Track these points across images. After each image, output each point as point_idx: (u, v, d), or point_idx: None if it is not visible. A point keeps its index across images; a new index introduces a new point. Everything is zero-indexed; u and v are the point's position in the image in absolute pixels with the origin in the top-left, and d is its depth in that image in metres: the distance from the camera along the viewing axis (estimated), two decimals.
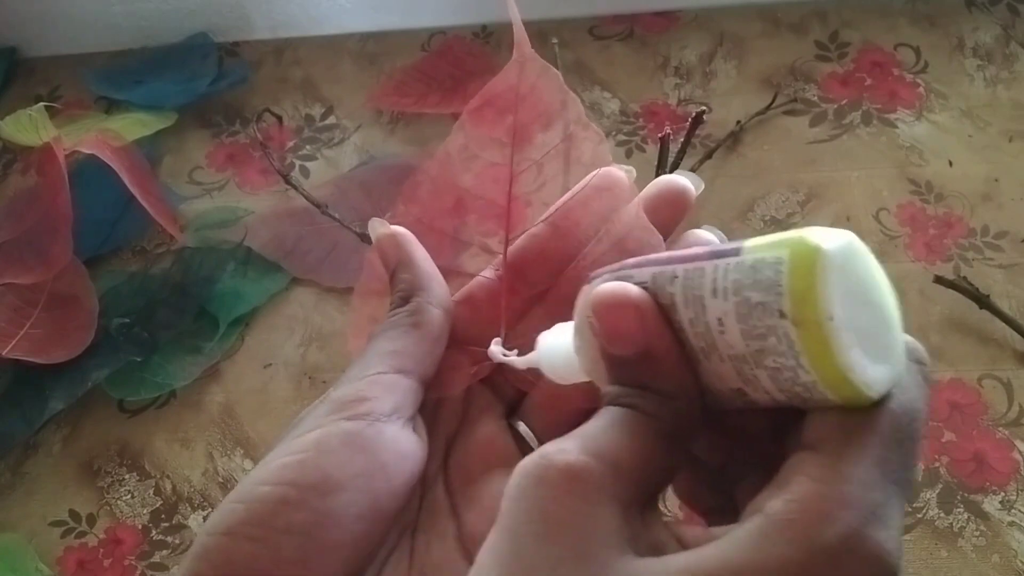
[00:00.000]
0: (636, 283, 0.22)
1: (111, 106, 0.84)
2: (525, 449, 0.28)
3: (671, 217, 0.28)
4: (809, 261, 0.19)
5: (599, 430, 0.21)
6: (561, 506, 0.19)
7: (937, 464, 0.55)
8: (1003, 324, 0.59)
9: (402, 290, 0.28)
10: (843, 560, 0.17)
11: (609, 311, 0.21)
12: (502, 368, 0.28)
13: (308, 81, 0.83)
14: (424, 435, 0.26)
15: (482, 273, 0.31)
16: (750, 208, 0.68)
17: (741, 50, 0.78)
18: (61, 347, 0.64)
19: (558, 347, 0.26)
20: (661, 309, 0.21)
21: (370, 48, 0.84)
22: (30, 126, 0.71)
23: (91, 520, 0.60)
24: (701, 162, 0.68)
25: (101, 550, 0.59)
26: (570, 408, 0.27)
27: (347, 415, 0.24)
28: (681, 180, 0.28)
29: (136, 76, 0.85)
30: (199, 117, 0.81)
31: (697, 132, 0.73)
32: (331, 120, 0.80)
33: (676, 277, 0.21)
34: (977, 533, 0.53)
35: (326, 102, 0.81)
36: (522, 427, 0.28)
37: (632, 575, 0.18)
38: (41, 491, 0.62)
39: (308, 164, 0.77)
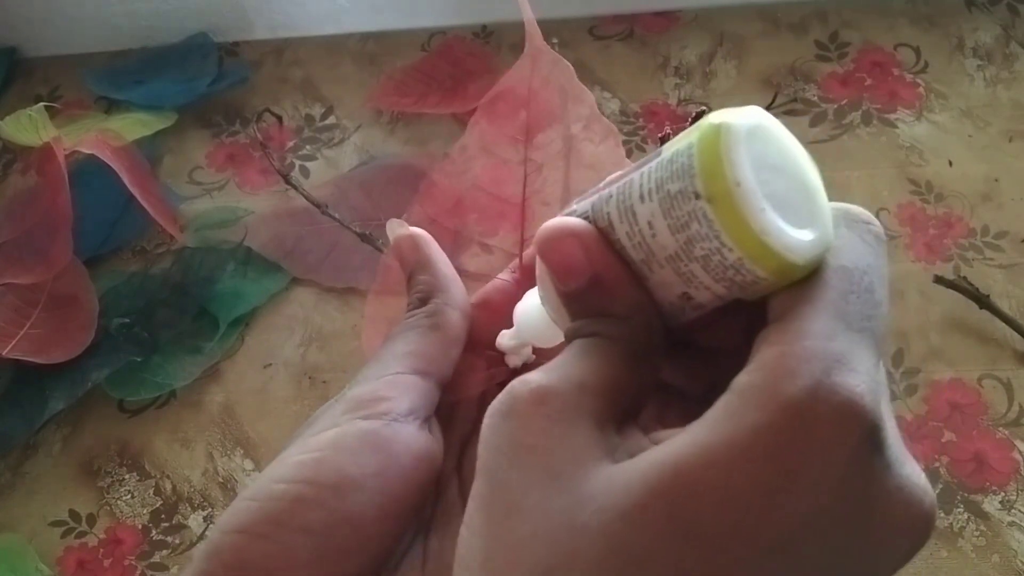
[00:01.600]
0: (578, 215, 0.22)
1: (111, 106, 0.83)
2: None
3: None
4: (714, 137, 0.19)
5: (562, 361, 0.21)
6: (529, 430, 0.19)
7: (937, 464, 0.55)
8: (1003, 324, 0.59)
9: (420, 291, 0.28)
10: (813, 411, 0.17)
11: (553, 248, 0.21)
12: (518, 372, 0.28)
13: (308, 81, 0.83)
14: (440, 436, 0.26)
15: (499, 275, 0.31)
16: None
17: (741, 50, 0.78)
18: (61, 347, 0.64)
19: (531, 311, 0.25)
20: (601, 233, 0.22)
21: (370, 48, 0.84)
22: (30, 126, 0.71)
23: (91, 520, 0.60)
24: None
25: (101, 550, 0.59)
26: None
27: (364, 414, 0.24)
28: None
29: (136, 76, 0.85)
30: (199, 117, 0.81)
31: None
32: (331, 120, 0.80)
33: (611, 197, 0.22)
34: (977, 533, 0.53)
35: (326, 102, 0.81)
36: None
37: (606, 480, 0.18)
38: (41, 491, 0.62)
39: (308, 164, 0.77)
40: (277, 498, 0.23)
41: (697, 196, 0.19)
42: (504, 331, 0.28)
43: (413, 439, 0.24)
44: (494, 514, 0.19)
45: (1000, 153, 0.69)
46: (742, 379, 0.18)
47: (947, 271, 0.62)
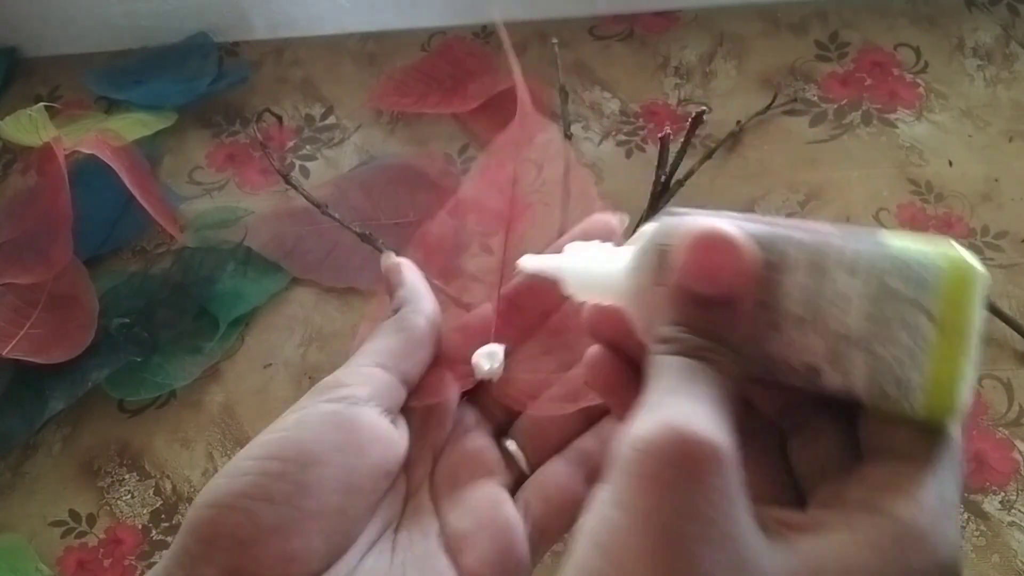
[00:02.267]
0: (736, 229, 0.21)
1: (111, 106, 0.83)
2: (512, 466, 0.29)
3: None
4: (968, 276, 0.20)
5: (712, 398, 0.20)
6: (710, 502, 0.18)
7: None
8: (1003, 324, 0.59)
9: (395, 303, 0.31)
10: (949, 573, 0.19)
11: (707, 246, 0.20)
12: (489, 387, 0.30)
13: (308, 81, 0.83)
14: (405, 432, 0.28)
15: (480, 308, 0.33)
16: (750, 208, 0.68)
17: (741, 50, 0.78)
18: (61, 347, 0.64)
19: (593, 260, 0.25)
20: (765, 263, 0.21)
21: (370, 48, 0.84)
22: (30, 126, 0.71)
23: (91, 520, 0.60)
24: (701, 162, 0.68)
25: (101, 550, 0.59)
26: (560, 430, 0.29)
27: (326, 398, 0.26)
28: (610, 221, 0.31)
29: (136, 76, 0.85)
30: (199, 117, 0.81)
31: (697, 132, 0.73)
32: (331, 120, 0.80)
33: (800, 242, 0.21)
34: (977, 533, 0.53)
35: (326, 102, 0.81)
36: (512, 445, 0.29)
37: (774, 564, 0.19)
38: (41, 491, 0.62)
39: (308, 164, 0.77)
40: (244, 473, 0.25)
41: (928, 316, 0.20)
42: (480, 349, 0.31)
43: (372, 421, 0.26)
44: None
45: (1000, 153, 0.69)
46: (900, 511, 0.20)
47: None
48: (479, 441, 0.30)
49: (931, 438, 0.20)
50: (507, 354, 0.31)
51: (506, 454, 0.30)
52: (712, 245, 0.20)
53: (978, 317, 0.20)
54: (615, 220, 0.31)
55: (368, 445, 0.26)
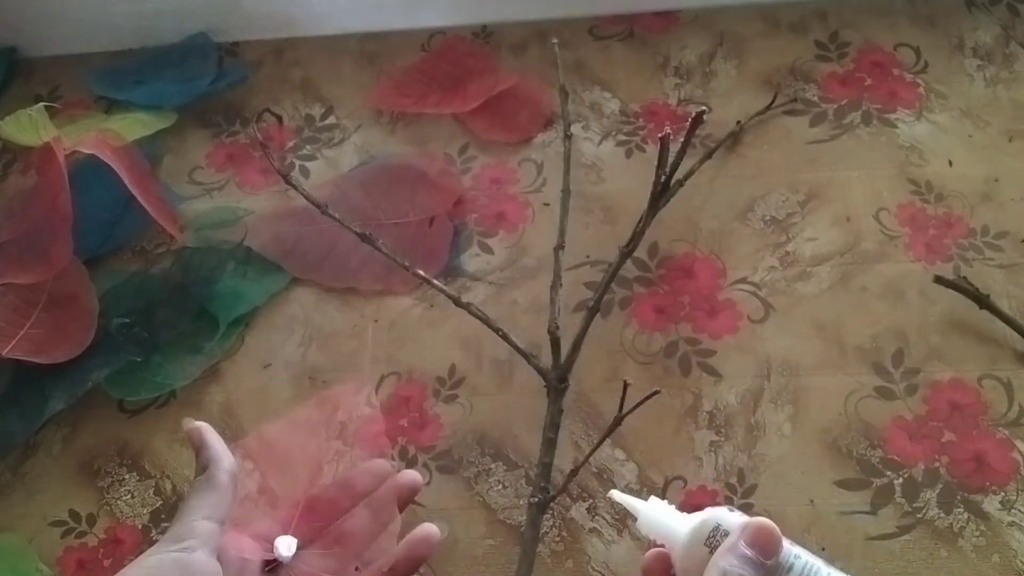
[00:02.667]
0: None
1: (111, 106, 0.84)
2: None
3: (405, 498, 0.46)
4: None
5: None
6: None
7: (937, 464, 0.55)
8: (1003, 324, 0.60)
9: (202, 462, 0.41)
10: None
11: (766, 531, 0.35)
12: (285, 569, 0.43)
13: (308, 81, 0.83)
14: (218, 565, 0.39)
15: (290, 504, 0.46)
16: (750, 208, 0.68)
17: (741, 50, 0.78)
18: (61, 347, 0.64)
19: (663, 516, 0.39)
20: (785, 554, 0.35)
21: (370, 48, 0.84)
22: (30, 126, 0.71)
23: (91, 520, 0.60)
24: (701, 162, 0.68)
25: (101, 550, 0.59)
26: None
27: (173, 548, 0.38)
28: (415, 478, 0.46)
29: (136, 76, 0.85)
30: (199, 117, 0.81)
31: (697, 132, 0.73)
32: (331, 120, 0.80)
33: (802, 559, 0.35)
34: (977, 533, 0.53)
35: (326, 102, 0.81)
36: None
37: None
38: (41, 491, 0.62)
39: (308, 164, 0.77)
40: None
41: None
42: (281, 536, 0.43)
43: (204, 562, 0.38)
44: None
45: (1000, 153, 0.69)
46: None
47: (947, 271, 0.62)
48: None
49: None
50: (299, 547, 0.44)
51: None
52: (769, 531, 0.35)
53: None
54: (387, 463, 0.47)
55: None
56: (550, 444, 0.55)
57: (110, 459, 0.63)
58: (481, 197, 0.72)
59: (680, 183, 0.65)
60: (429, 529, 0.45)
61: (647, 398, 0.48)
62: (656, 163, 0.55)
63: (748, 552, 0.35)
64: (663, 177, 0.54)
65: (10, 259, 0.69)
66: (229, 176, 0.77)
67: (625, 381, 0.48)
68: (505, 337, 0.59)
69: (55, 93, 0.86)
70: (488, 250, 0.70)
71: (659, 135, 0.48)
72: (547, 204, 0.71)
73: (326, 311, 0.68)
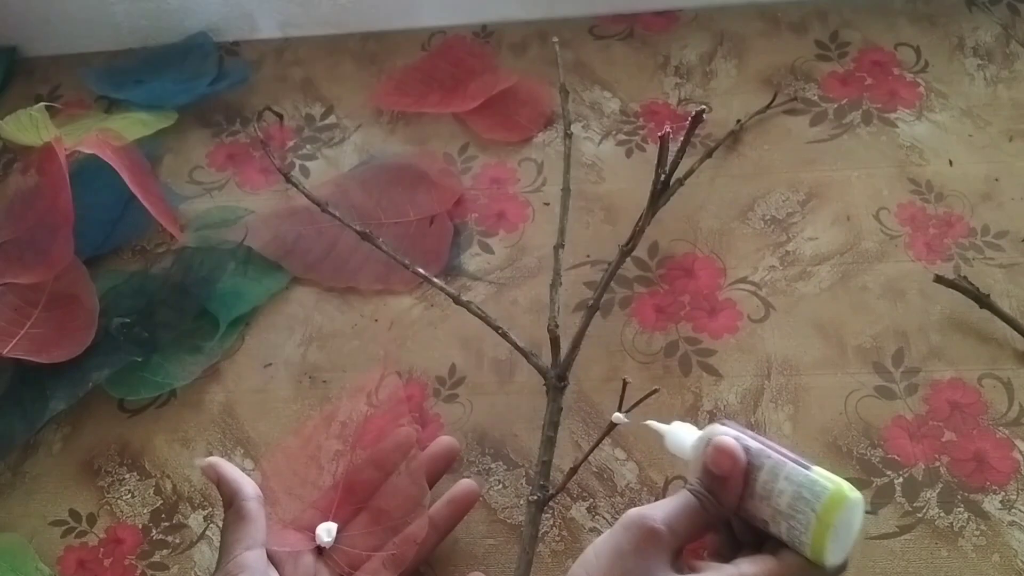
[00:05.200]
0: (744, 444, 0.43)
1: (111, 106, 0.84)
2: None
3: (442, 466, 0.51)
4: (840, 498, 0.40)
5: (675, 507, 0.41)
6: (638, 551, 0.39)
7: (937, 463, 0.55)
8: (1003, 324, 0.59)
9: (226, 497, 0.44)
10: None
11: (723, 453, 0.42)
12: (331, 552, 0.47)
13: (308, 81, 0.83)
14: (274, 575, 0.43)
15: (326, 489, 0.49)
16: (750, 208, 0.68)
17: (741, 50, 0.78)
18: (61, 347, 0.64)
19: (682, 438, 0.46)
20: (749, 465, 0.42)
21: (370, 48, 0.84)
22: (30, 126, 0.71)
23: (91, 520, 0.60)
24: (701, 161, 0.68)
25: (101, 550, 0.59)
26: None
27: None
28: (451, 443, 0.52)
29: (136, 76, 0.85)
30: (199, 117, 0.81)
31: (697, 131, 0.73)
32: (331, 120, 0.80)
33: (770, 458, 0.42)
34: (977, 533, 0.53)
35: (326, 102, 0.81)
36: None
37: None
38: (41, 491, 0.62)
39: (308, 164, 0.77)
40: None
41: (814, 512, 0.40)
42: (321, 524, 0.47)
43: None
44: None
45: (1000, 153, 0.69)
46: (786, 555, 0.41)
47: (947, 270, 0.62)
48: None
49: (807, 564, 0.40)
50: (340, 530, 0.47)
51: None
52: (724, 451, 0.42)
53: (841, 519, 0.40)
54: (412, 433, 0.51)
55: None
56: (549, 442, 0.55)
57: (110, 459, 0.63)
58: (481, 196, 0.72)
59: (680, 182, 0.65)
60: (469, 484, 0.48)
61: (646, 396, 0.48)
62: (656, 162, 0.55)
63: (712, 470, 0.42)
64: (663, 176, 0.54)
65: (10, 259, 0.69)
66: (229, 176, 0.77)
67: (624, 380, 0.49)
68: (505, 335, 0.59)
69: (55, 93, 0.86)
70: (488, 250, 0.70)
71: (659, 133, 0.48)
72: (547, 203, 0.71)
73: (326, 311, 0.68)
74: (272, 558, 0.43)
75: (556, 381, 0.57)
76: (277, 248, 0.71)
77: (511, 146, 0.75)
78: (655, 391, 0.48)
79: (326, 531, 0.46)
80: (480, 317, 0.59)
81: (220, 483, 0.44)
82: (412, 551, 0.46)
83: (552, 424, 0.56)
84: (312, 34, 0.86)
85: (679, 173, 0.64)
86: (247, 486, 0.44)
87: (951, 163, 0.68)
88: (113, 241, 0.74)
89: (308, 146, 0.78)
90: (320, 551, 0.47)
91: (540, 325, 0.61)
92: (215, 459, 0.46)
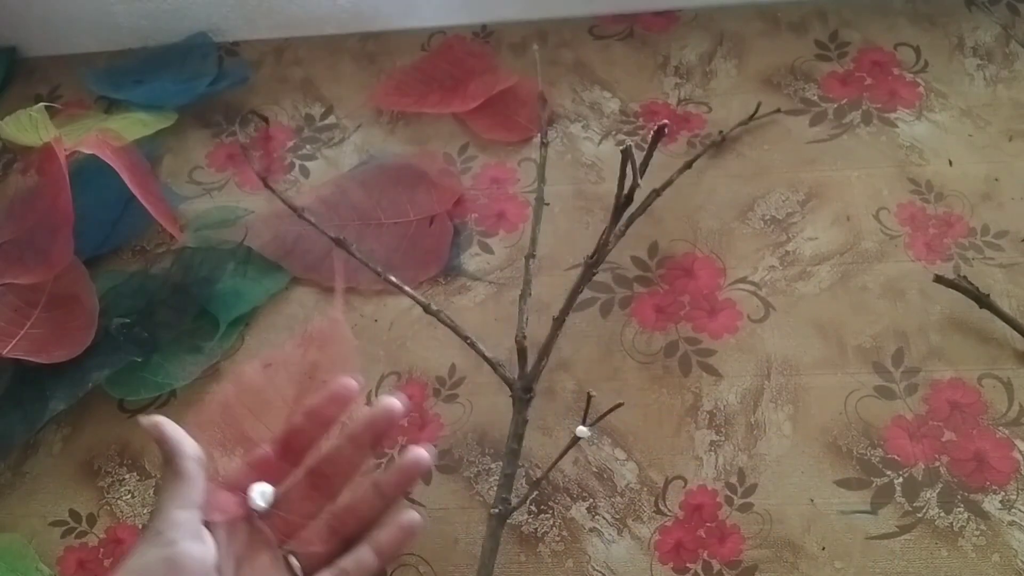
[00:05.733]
0: None
1: (111, 106, 0.84)
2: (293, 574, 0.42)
3: (384, 428, 0.44)
4: None
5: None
6: None
7: (937, 463, 0.55)
8: (1003, 323, 0.59)
9: (165, 456, 0.41)
10: None
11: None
12: (266, 517, 0.43)
13: (308, 81, 0.83)
14: (212, 544, 0.39)
15: (263, 447, 0.45)
16: (750, 207, 0.68)
17: (741, 50, 0.78)
18: (62, 347, 0.64)
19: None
20: None
21: (370, 48, 0.84)
22: (30, 126, 0.71)
23: (91, 520, 0.60)
24: (680, 172, 0.66)
25: (101, 550, 0.59)
26: (329, 551, 0.42)
27: (156, 544, 0.38)
28: (392, 405, 0.43)
29: (136, 76, 0.85)
30: (199, 117, 0.81)
31: (695, 132, 0.73)
32: (331, 120, 0.80)
33: None
34: (977, 532, 0.53)
35: (326, 102, 0.81)
36: (293, 560, 0.41)
37: None
38: (41, 491, 0.62)
39: (308, 164, 0.77)
40: None
41: None
42: (254, 485, 0.42)
43: (191, 550, 0.38)
44: None
45: (1000, 152, 0.69)
46: None
47: (947, 270, 0.62)
48: (268, 556, 0.41)
49: None
50: (278, 494, 0.42)
51: (289, 564, 0.42)
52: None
53: None
54: (355, 384, 0.44)
55: (190, 568, 0.38)
56: (513, 455, 0.55)
57: (110, 459, 0.63)
58: (481, 197, 0.72)
59: (657, 192, 0.65)
60: (419, 453, 0.44)
61: (610, 411, 0.49)
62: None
63: None
64: (626, 190, 0.52)
65: (10, 259, 0.69)
66: (229, 176, 0.77)
67: (589, 393, 0.49)
68: (472, 345, 0.58)
69: (55, 93, 0.86)
70: (488, 249, 0.70)
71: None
72: (547, 204, 0.71)
73: (326, 311, 0.68)
74: (207, 520, 0.41)
75: (522, 393, 0.57)
76: (277, 248, 0.71)
77: (511, 146, 0.75)
78: (619, 405, 0.49)
79: (260, 494, 0.42)
80: (449, 327, 0.59)
81: (160, 441, 0.42)
82: (353, 522, 0.43)
83: (516, 436, 0.55)
84: (312, 34, 0.86)
85: (657, 183, 0.64)
86: (187, 445, 0.42)
87: (951, 163, 0.68)
88: (113, 241, 0.74)
89: (308, 146, 0.78)
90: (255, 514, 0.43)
91: (540, 325, 0.61)
92: (159, 418, 0.43)
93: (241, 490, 0.42)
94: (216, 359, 0.66)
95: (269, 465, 0.44)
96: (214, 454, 0.48)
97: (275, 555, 0.42)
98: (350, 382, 0.44)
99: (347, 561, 0.42)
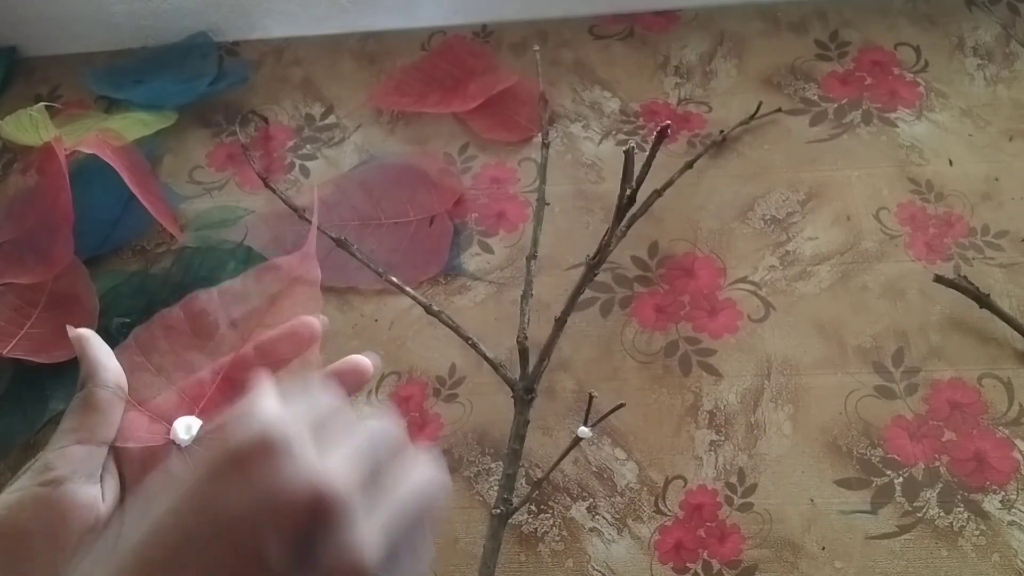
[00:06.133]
0: None
1: (111, 106, 0.84)
2: None
3: (347, 386, 0.37)
4: None
5: None
6: None
7: (937, 463, 0.55)
8: (1003, 323, 0.59)
9: (81, 378, 0.36)
10: None
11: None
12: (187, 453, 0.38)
13: (308, 81, 0.83)
14: (110, 487, 0.34)
15: (202, 372, 0.40)
16: (750, 207, 0.68)
17: (741, 49, 0.78)
18: (61, 347, 0.64)
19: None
20: None
21: (370, 48, 0.84)
22: (30, 126, 0.71)
23: None
24: (681, 172, 0.66)
25: None
26: None
27: (37, 481, 0.32)
28: (360, 363, 0.37)
29: (136, 76, 0.85)
30: (199, 117, 0.81)
31: (696, 132, 0.73)
32: (331, 120, 0.80)
33: None
34: (977, 532, 0.53)
35: (326, 102, 0.81)
36: None
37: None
38: None
39: (308, 164, 0.77)
40: None
41: None
42: (180, 419, 0.37)
43: (73, 494, 0.32)
44: None
45: (1000, 152, 0.69)
46: None
47: (947, 270, 0.62)
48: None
49: None
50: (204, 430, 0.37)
51: None
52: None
53: None
54: (317, 322, 0.39)
55: (71, 514, 0.32)
56: (514, 455, 0.55)
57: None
58: (481, 196, 0.72)
59: (659, 193, 0.65)
60: (311, 320, 0.39)
61: (611, 412, 0.49)
62: (621, 177, 0.54)
63: None
64: (628, 191, 0.53)
65: (10, 259, 0.69)
66: (229, 176, 0.77)
67: (591, 393, 0.49)
68: (475, 347, 0.58)
69: (55, 93, 0.86)
70: (488, 249, 0.70)
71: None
72: (548, 203, 0.71)
73: (326, 311, 0.68)
74: (118, 454, 0.36)
75: (523, 393, 0.57)
76: (277, 248, 0.71)
77: (511, 146, 0.75)
78: (621, 405, 0.48)
79: (185, 427, 0.37)
80: (451, 328, 0.59)
81: (81, 358, 0.37)
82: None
83: (518, 437, 0.55)
84: (312, 34, 0.86)
85: (658, 184, 0.64)
86: (108, 371, 0.36)
87: (951, 163, 0.68)
88: (113, 241, 0.74)
89: (308, 146, 0.78)
90: (176, 450, 0.38)
91: (540, 325, 0.61)
92: (87, 332, 0.38)
93: (166, 420, 0.38)
94: None
95: (202, 395, 0.39)
96: (147, 377, 0.44)
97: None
98: (312, 321, 0.39)
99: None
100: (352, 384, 0.37)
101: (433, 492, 0.28)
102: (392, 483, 0.27)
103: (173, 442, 0.37)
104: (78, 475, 0.33)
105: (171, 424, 0.38)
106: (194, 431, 0.37)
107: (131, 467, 0.35)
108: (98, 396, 0.35)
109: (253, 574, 0.23)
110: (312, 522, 0.24)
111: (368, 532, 0.24)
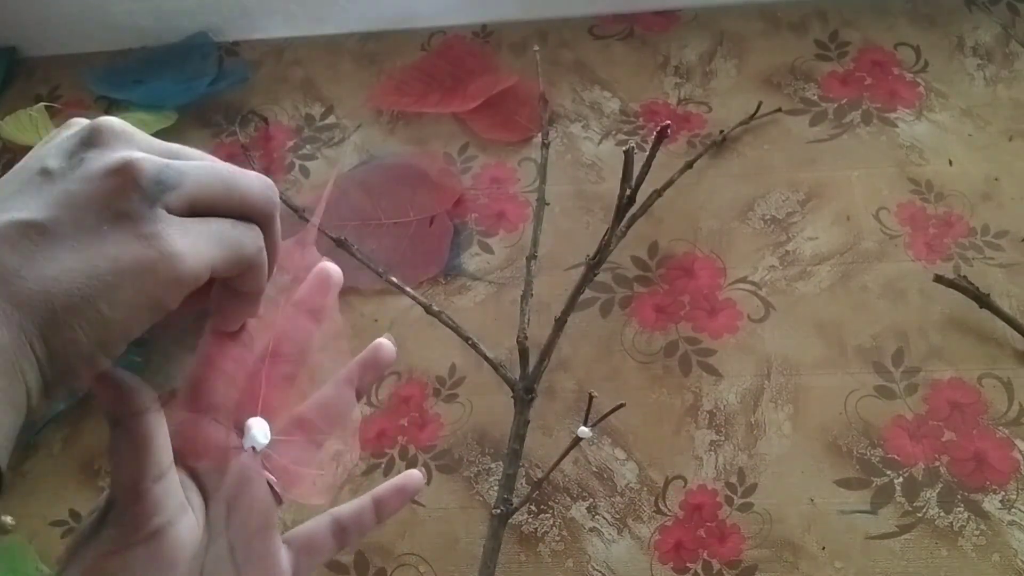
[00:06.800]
0: None
1: (111, 106, 0.84)
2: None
3: (372, 375, 0.37)
4: None
5: None
6: None
7: (937, 463, 0.55)
8: (1003, 323, 0.59)
9: (113, 412, 0.32)
10: None
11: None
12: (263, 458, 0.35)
13: (308, 81, 0.83)
14: (196, 501, 0.32)
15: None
16: (750, 207, 0.68)
17: (741, 49, 0.78)
18: None
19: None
20: None
21: (370, 48, 0.84)
22: (30, 126, 0.71)
23: None
24: (681, 172, 0.66)
25: None
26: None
27: (140, 538, 0.29)
28: (384, 347, 0.37)
29: (136, 76, 0.85)
30: (199, 117, 0.81)
31: (695, 132, 0.73)
32: (331, 120, 0.80)
33: None
34: (977, 532, 0.53)
35: (326, 102, 0.81)
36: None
37: None
38: (41, 491, 0.62)
39: (308, 164, 0.77)
40: None
41: None
42: (252, 420, 0.35)
43: (177, 535, 0.30)
44: None
45: (1000, 152, 0.69)
46: None
47: (947, 270, 0.62)
48: (262, 492, 0.34)
49: None
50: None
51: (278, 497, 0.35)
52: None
53: None
54: (336, 270, 0.37)
55: (179, 554, 0.30)
56: (514, 455, 0.55)
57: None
58: (481, 196, 0.72)
59: (659, 193, 0.65)
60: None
61: (611, 412, 0.49)
62: (621, 177, 0.54)
63: None
64: (628, 191, 0.52)
65: None
66: None
67: (591, 393, 0.49)
68: (475, 347, 0.58)
69: (55, 93, 0.86)
70: (488, 249, 0.70)
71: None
72: (548, 203, 0.71)
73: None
74: (185, 467, 0.33)
75: (523, 393, 0.57)
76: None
77: (511, 146, 0.75)
78: (621, 405, 0.48)
79: (261, 432, 0.34)
80: (451, 328, 0.59)
81: (103, 390, 0.32)
82: (343, 476, 0.37)
83: (518, 437, 0.55)
84: (312, 34, 0.86)
85: (658, 184, 0.64)
86: (142, 395, 0.32)
87: (951, 163, 0.68)
88: None
89: (308, 146, 0.78)
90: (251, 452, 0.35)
91: (540, 324, 0.61)
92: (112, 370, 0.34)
93: (236, 426, 0.35)
94: None
95: (259, 393, 0.36)
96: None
97: (267, 493, 0.34)
98: (330, 264, 0.37)
99: (344, 510, 0.36)
100: (380, 367, 0.37)
101: (251, 185, 0.27)
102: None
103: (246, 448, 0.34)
104: (175, 513, 0.30)
105: (235, 425, 0.35)
106: (269, 433, 0.35)
107: (202, 473, 0.33)
108: (146, 425, 0.32)
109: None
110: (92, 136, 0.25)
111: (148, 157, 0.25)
